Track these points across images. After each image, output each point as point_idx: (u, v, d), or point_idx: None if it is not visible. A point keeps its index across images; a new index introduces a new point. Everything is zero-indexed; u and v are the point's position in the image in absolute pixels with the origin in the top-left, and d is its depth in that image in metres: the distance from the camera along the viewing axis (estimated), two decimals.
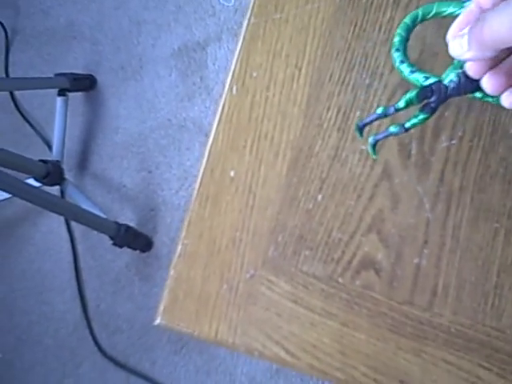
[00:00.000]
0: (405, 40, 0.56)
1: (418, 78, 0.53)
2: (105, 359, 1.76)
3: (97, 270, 1.81)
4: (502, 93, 0.41)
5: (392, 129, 0.52)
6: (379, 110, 0.51)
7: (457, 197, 0.56)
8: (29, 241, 1.90)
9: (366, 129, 0.54)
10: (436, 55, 0.59)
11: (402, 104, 0.50)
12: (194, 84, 1.80)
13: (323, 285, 0.57)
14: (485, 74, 0.41)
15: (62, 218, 1.83)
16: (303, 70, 0.61)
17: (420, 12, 0.55)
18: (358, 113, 0.59)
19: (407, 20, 0.55)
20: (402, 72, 0.55)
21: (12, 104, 1.96)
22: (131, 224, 1.67)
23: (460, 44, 0.39)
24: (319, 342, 0.56)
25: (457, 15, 0.51)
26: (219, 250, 0.59)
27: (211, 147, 0.61)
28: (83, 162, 1.87)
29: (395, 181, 0.57)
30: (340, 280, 0.56)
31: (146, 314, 1.75)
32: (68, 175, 1.68)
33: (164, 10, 1.87)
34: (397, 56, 0.55)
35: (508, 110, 0.56)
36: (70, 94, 1.81)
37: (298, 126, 0.60)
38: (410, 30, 0.56)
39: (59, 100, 1.77)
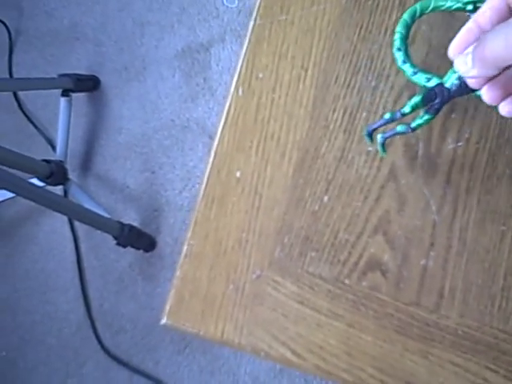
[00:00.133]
0: (405, 38, 0.56)
1: (421, 79, 0.54)
2: (108, 359, 1.76)
3: (100, 269, 1.81)
4: (499, 103, 0.44)
5: (399, 128, 0.53)
6: (386, 116, 0.53)
7: (463, 199, 0.56)
8: (32, 240, 1.90)
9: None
10: (442, 56, 0.58)
11: (407, 109, 0.51)
12: (198, 85, 1.81)
13: (329, 286, 0.57)
14: (484, 84, 0.43)
15: (65, 218, 1.83)
16: (309, 72, 0.61)
17: (418, 7, 0.55)
18: (364, 114, 0.59)
19: (406, 16, 0.55)
20: (404, 72, 0.55)
21: (16, 104, 1.96)
22: (134, 224, 1.68)
23: (465, 62, 0.41)
24: (325, 343, 0.56)
25: (454, 9, 0.54)
26: (225, 251, 0.59)
27: (217, 148, 0.61)
28: (86, 162, 1.87)
29: (401, 182, 0.57)
30: (346, 281, 0.56)
31: (150, 313, 1.75)
32: (71, 175, 1.68)
33: (168, 12, 1.88)
34: (399, 56, 0.55)
35: None
36: (74, 95, 1.81)
37: (304, 127, 0.60)
38: (409, 26, 0.56)
39: (63, 100, 1.77)
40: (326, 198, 0.58)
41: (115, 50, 1.91)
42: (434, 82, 0.53)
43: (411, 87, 0.59)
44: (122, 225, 1.60)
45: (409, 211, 0.57)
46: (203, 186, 0.61)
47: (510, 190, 0.56)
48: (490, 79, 0.43)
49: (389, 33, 0.61)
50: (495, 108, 0.50)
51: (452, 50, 0.44)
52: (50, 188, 1.50)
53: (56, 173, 1.52)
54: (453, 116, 0.58)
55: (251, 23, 0.64)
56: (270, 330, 0.57)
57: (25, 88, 1.81)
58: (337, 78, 0.61)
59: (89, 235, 1.83)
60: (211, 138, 1.75)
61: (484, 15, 0.41)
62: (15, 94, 1.97)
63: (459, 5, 0.54)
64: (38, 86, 1.78)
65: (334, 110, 0.60)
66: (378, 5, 0.61)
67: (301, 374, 1.57)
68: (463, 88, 0.48)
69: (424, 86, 0.54)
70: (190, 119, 1.79)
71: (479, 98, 0.53)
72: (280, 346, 0.56)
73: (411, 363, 0.54)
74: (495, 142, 0.57)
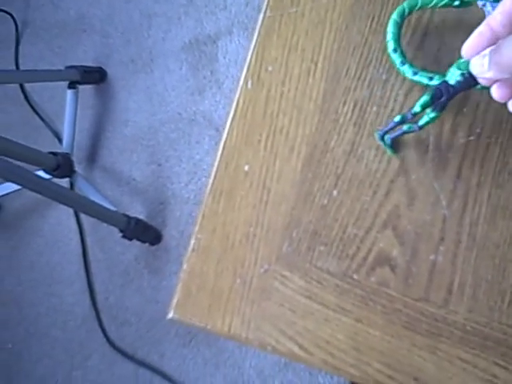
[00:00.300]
0: (397, 37, 0.57)
1: (423, 79, 0.55)
2: (113, 351, 1.77)
3: (106, 262, 1.81)
4: (508, 100, 0.46)
5: (406, 127, 0.55)
6: (397, 118, 0.54)
7: (474, 193, 0.56)
8: (38, 233, 1.90)
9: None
10: (454, 51, 0.58)
11: (418, 108, 0.53)
12: (205, 78, 1.80)
13: (338, 281, 0.56)
14: (494, 83, 0.45)
15: (70, 210, 1.83)
16: (319, 65, 0.60)
17: (406, 6, 0.57)
18: (374, 108, 0.58)
19: (395, 16, 0.57)
20: (404, 73, 0.56)
21: (22, 96, 1.97)
22: (140, 217, 1.68)
23: (481, 64, 0.44)
24: (333, 338, 0.55)
25: (442, 6, 0.56)
26: (233, 245, 0.59)
27: (225, 142, 0.61)
28: (93, 154, 1.87)
29: (412, 177, 0.57)
30: (355, 276, 0.56)
31: (155, 306, 1.75)
32: (78, 168, 1.68)
33: (175, 3, 1.87)
34: (395, 57, 0.56)
35: None
36: (80, 87, 1.81)
37: (314, 121, 0.59)
38: (399, 25, 0.57)
39: (69, 92, 1.78)
40: (335, 193, 0.58)
41: (122, 42, 1.91)
42: (436, 79, 0.54)
43: None
44: (128, 218, 1.60)
45: (418, 206, 0.56)
46: (211, 179, 0.61)
47: None
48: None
49: None
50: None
51: (465, 51, 0.45)
52: (56, 180, 1.50)
53: (62, 165, 1.52)
54: (464, 110, 0.57)
55: (261, 15, 0.63)
56: (278, 324, 0.56)
57: (31, 80, 1.81)
58: (347, 71, 0.60)
59: (94, 228, 1.83)
60: (218, 131, 1.75)
61: (496, 19, 0.42)
62: (22, 86, 1.97)
63: (446, 1, 0.56)
64: (44, 78, 1.78)
65: (344, 104, 0.59)
66: None
67: (306, 367, 1.57)
68: (466, 84, 0.50)
69: (427, 85, 0.55)
70: (196, 112, 1.79)
71: (480, 90, 0.54)
72: (287, 341, 0.56)
73: (419, 359, 0.54)
74: (507, 136, 0.56)
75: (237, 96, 0.62)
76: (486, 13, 0.56)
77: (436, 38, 0.59)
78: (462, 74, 0.50)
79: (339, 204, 0.57)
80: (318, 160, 0.58)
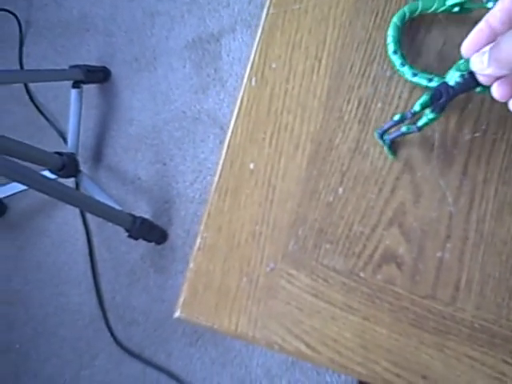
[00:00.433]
0: (398, 40, 0.57)
1: (422, 80, 0.55)
2: (121, 351, 1.77)
3: (112, 262, 1.82)
4: (508, 99, 0.46)
5: (405, 128, 0.55)
6: (396, 117, 0.54)
7: (480, 190, 0.56)
8: (44, 233, 1.90)
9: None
10: (458, 46, 0.58)
11: (417, 108, 0.53)
12: (209, 76, 1.80)
13: (344, 279, 0.56)
14: (494, 82, 0.46)
15: (77, 210, 1.84)
16: (323, 62, 0.60)
17: (406, 10, 0.57)
18: (379, 105, 0.58)
19: (395, 20, 0.58)
20: (403, 75, 0.57)
21: (27, 96, 1.97)
22: (146, 216, 1.68)
23: (481, 61, 0.44)
24: (340, 337, 0.55)
25: (441, 12, 0.57)
26: (239, 244, 0.59)
27: (230, 139, 0.61)
28: (98, 154, 1.87)
29: (417, 174, 0.56)
30: (361, 274, 0.56)
31: (161, 305, 1.75)
32: (83, 167, 1.69)
33: (177, 2, 1.87)
34: (395, 59, 0.57)
35: None
36: (84, 86, 1.82)
37: (318, 118, 0.59)
38: (400, 29, 0.58)
39: (74, 92, 1.78)
40: (340, 190, 0.57)
41: (125, 41, 1.91)
42: (435, 81, 0.54)
43: None
44: (134, 217, 1.60)
45: (425, 203, 0.56)
46: (216, 178, 0.60)
47: None
48: (500, 77, 0.45)
49: None
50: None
51: (464, 48, 0.46)
52: (61, 180, 1.50)
53: (68, 165, 1.53)
54: (470, 107, 0.57)
55: (264, 12, 0.63)
56: (284, 323, 0.56)
57: (36, 80, 1.81)
58: (351, 68, 0.60)
59: (100, 228, 1.83)
60: (222, 129, 1.75)
61: (495, 16, 0.43)
62: (26, 86, 1.97)
63: (446, 7, 0.57)
64: (48, 78, 1.78)
65: (349, 101, 0.59)
66: None
67: (313, 366, 1.57)
68: (466, 85, 0.51)
69: (426, 87, 0.55)
70: (200, 110, 1.79)
71: (480, 93, 0.54)
72: (294, 340, 0.56)
73: (427, 356, 0.54)
74: None
75: (241, 94, 0.62)
76: (491, 2, 0.55)
77: (440, 32, 0.59)
78: (462, 76, 0.50)
79: (345, 201, 0.57)
80: (323, 157, 0.58)
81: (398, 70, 0.57)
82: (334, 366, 0.55)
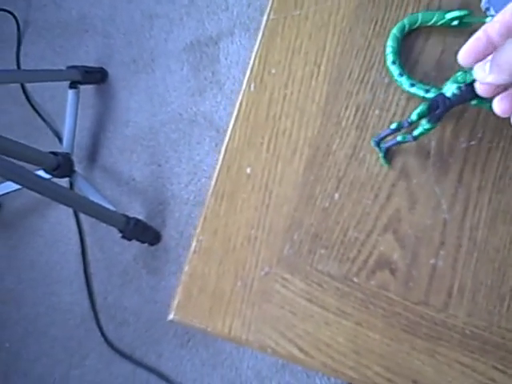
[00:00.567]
0: (397, 51, 0.58)
1: (419, 91, 0.56)
2: (111, 351, 1.77)
3: (105, 262, 1.82)
4: (510, 115, 0.47)
5: (400, 137, 0.56)
6: (393, 126, 0.55)
7: (475, 198, 0.56)
8: (37, 232, 1.90)
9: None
10: (456, 55, 0.58)
11: (414, 117, 0.53)
12: (206, 79, 1.80)
13: (338, 284, 0.56)
14: (493, 94, 0.47)
15: (70, 210, 1.84)
16: (322, 68, 0.61)
17: (406, 22, 0.58)
18: (376, 111, 0.59)
19: (395, 31, 0.59)
20: (401, 85, 0.57)
21: (23, 96, 1.97)
22: (140, 217, 1.68)
23: (483, 69, 0.45)
24: (333, 341, 0.55)
25: (440, 25, 0.58)
26: (234, 247, 0.59)
27: (228, 144, 0.61)
28: (93, 154, 1.87)
29: (413, 181, 0.57)
30: (355, 279, 0.56)
31: (153, 306, 1.75)
32: (78, 167, 1.69)
33: (176, 4, 1.87)
34: (394, 69, 0.57)
35: None
36: (81, 87, 1.82)
37: (316, 123, 0.60)
38: (399, 40, 0.59)
39: (71, 92, 1.78)
40: (336, 196, 0.58)
41: (124, 43, 1.92)
42: (432, 92, 0.55)
43: None
44: (128, 218, 1.60)
45: (420, 210, 0.57)
46: (213, 181, 0.61)
47: None
48: (500, 91, 0.47)
49: None
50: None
51: (461, 56, 0.46)
52: (55, 180, 1.50)
53: (62, 165, 1.53)
54: (466, 115, 0.57)
55: (264, 18, 0.63)
56: (278, 327, 0.56)
57: (33, 80, 1.81)
58: (350, 74, 0.60)
59: (94, 228, 1.83)
60: (218, 132, 1.75)
61: (493, 28, 0.43)
62: (23, 86, 1.97)
63: (445, 20, 0.58)
64: (46, 78, 1.78)
65: (347, 107, 0.59)
66: (393, 0, 0.61)
67: (303, 369, 1.58)
68: (463, 97, 0.52)
69: (423, 97, 0.56)
70: (197, 113, 1.79)
71: (476, 106, 0.55)
72: (287, 344, 0.56)
73: (418, 362, 0.54)
74: (509, 141, 0.56)
75: (240, 98, 0.62)
76: (490, 17, 0.56)
77: (439, 42, 0.59)
78: (459, 88, 0.51)
79: (340, 207, 0.58)
80: (320, 163, 0.59)
81: (396, 80, 0.57)
82: (327, 370, 0.55)
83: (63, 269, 1.86)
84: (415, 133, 0.55)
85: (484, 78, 0.45)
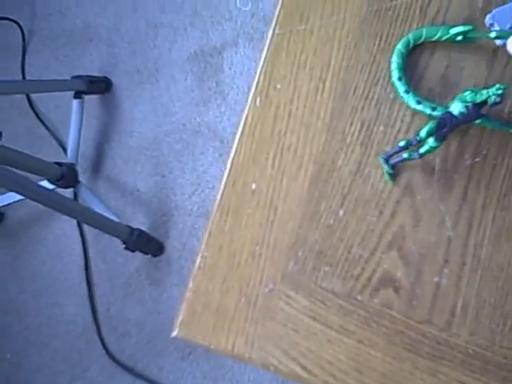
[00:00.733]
0: (402, 67, 0.59)
1: (426, 109, 0.57)
2: (113, 363, 1.76)
3: (107, 273, 1.82)
4: None
5: (406, 155, 0.56)
6: (402, 143, 0.55)
7: (479, 215, 0.56)
8: (41, 242, 1.90)
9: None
10: (462, 69, 0.59)
11: (423, 135, 0.54)
12: (210, 89, 1.80)
13: (342, 301, 0.56)
14: None
15: (74, 221, 1.83)
16: (327, 83, 0.61)
17: (411, 37, 0.59)
18: (381, 128, 0.59)
19: (400, 47, 0.59)
20: (407, 102, 0.58)
21: (28, 106, 1.97)
22: (143, 228, 1.68)
23: None
24: (335, 359, 0.55)
25: (445, 40, 0.58)
26: (239, 264, 0.59)
27: (233, 159, 0.61)
28: (97, 164, 1.88)
29: (417, 198, 0.57)
30: (359, 297, 0.56)
31: (156, 318, 1.75)
32: (82, 178, 1.69)
33: (181, 14, 1.88)
34: (399, 86, 0.58)
35: None
36: (86, 97, 1.82)
37: (321, 139, 0.60)
38: (404, 56, 0.59)
39: (75, 102, 1.78)
40: (341, 212, 0.58)
41: (128, 52, 1.92)
42: (438, 110, 0.55)
43: None
44: (132, 229, 1.60)
45: (424, 227, 0.57)
46: (218, 197, 0.61)
47: None
48: None
49: None
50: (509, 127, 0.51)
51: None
52: (59, 190, 1.51)
53: (67, 175, 1.52)
54: (470, 132, 0.57)
55: (270, 32, 0.63)
56: (281, 344, 0.56)
57: (38, 90, 1.82)
58: (355, 90, 0.60)
59: (97, 238, 1.83)
60: (222, 142, 1.75)
61: None
62: (28, 96, 1.97)
63: (449, 35, 0.58)
64: (51, 88, 1.79)
65: (352, 123, 0.59)
66: (398, 15, 0.61)
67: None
68: (469, 116, 0.53)
69: (430, 115, 0.56)
70: (201, 123, 1.79)
71: (481, 125, 0.55)
72: (290, 362, 0.56)
73: (420, 381, 0.54)
74: None
75: (245, 113, 0.62)
76: (494, 32, 0.56)
77: (444, 57, 0.60)
78: (466, 107, 0.52)
79: (345, 224, 0.58)
80: (325, 179, 0.59)
81: (402, 96, 0.57)
82: None
83: (66, 279, 1.86)
84: (421, 150, 0.55)
85: None
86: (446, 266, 0.56)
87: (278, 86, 0.62)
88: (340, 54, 0.61)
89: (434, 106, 0.56)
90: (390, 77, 0.59)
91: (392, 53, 0.59)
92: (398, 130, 0.58)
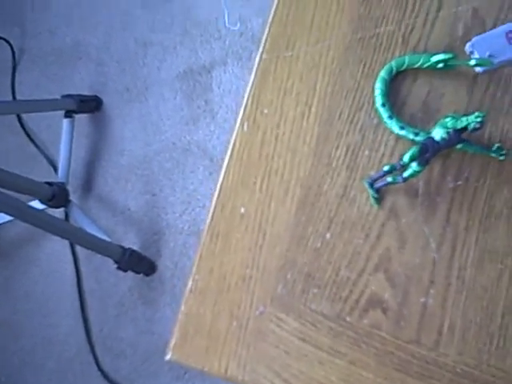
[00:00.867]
0: (386, 93, 0.60)
1: (409, 134, 0.58)
2: None
3: (100, 292, 1.82)
4: None
5: (390, 179, 0.57)
6: (386, 168, 0.56)
7: (462, 237, 0.57)
8: (33, 262, 1.90)
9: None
10: (443, 96, 0.61)
11: (407, 160, 0.55)
12: (199, 107, 1.82)
13: (331, 323, 0.57)
14: None
15: (66, 240, 1.83)
16: (313, 109, 0.62)
17: (394, 64, 0.61)
18: (366, 152, 0.60)
19: (383, 74, 0.61)
20: (390, 127, 0.59)
21: (18, 125, 1.98)
22: (134, 247, 1.68)
23: None
24: (327, 380, 0.56)
25: (426, 67, 0.60)
26: (229, 287, 0.60)
27: (222, 183, 0.62)
28: (88, 183, 1.88)
29: (402, 220, 0.58)
30: (348, 319, 0.57)
31: (150, 338, 1.75)
32: (73, 197, 1.69)
33: (170, 33, 1.89)
34: (383, 112, 0.60)
35: None
36: (76, 116, 1.83)
37: (308, 164, 0.61)
38: (387, 82, 0.61)
39: (65, 121, 1.79)
40: (328, 235, 0.59)
41: (118, 71, 1.93)
42: (421, 135, 0.57)
43: None
44: (124, 249, 1.61)
45: (409, 249, 0.58)
46: (208, 221, 0.62)
47: (508, 229, 0.57)
48: None
49: None
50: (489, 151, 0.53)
51: None
52: (51, 210, 1.51)
53: (58, 195, 1.53)
54: (452, 156, 0.59)
55: (257, 58, 0.65)
56: (273, 366, 0.57)
57: (28, 110, 1.83)
58: (340, 115, 0.62)
59: (89, 258, 1.83)
60: (212, 160, 1.76)
61: None
62: (18, 115, 1.98)
63: (431, 63, 0.60)
64: (41, 108, 1.79)
65: (337, 148, 0.61)
66: (381, 43, 0.63)
67: None
68: (450, 142, 0.54)
69: (412, 140, 0.57)
70: (191, 142, 1.80)
71: (463, 150, 0.56)
72: (282, 383, 0.57)
73: None
74: (494, 181, 0.58)
75: (233, 138, 0.63)
76: (474, 60, 0.58)
77: (425, 83, 0.61)
78: (447, 132, 0.54)
79: (332, 247, 0.59)
80: (312, 203, 0.60)
81: (386, 122, 0.59)
82: None
83: (59, 299, 1.85)
84: (405, 174, 0.56)
85: None
86: (432, 287, 0.57)
87: (265, 111, 0.63)
88: (325, 79, 0.63)
89: (416, 131, 0.58)
90: (373, 102, 0.61)
91: (375, 79, 0.61)
92: (383, 154, 0.60)
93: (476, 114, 0.52)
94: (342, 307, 0.58)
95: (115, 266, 1.60)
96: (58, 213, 1.69)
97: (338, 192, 0.60)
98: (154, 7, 1.93)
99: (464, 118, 0.53)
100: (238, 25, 1.82)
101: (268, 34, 0.66)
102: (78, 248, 1.85)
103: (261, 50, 0.65)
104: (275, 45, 0.65)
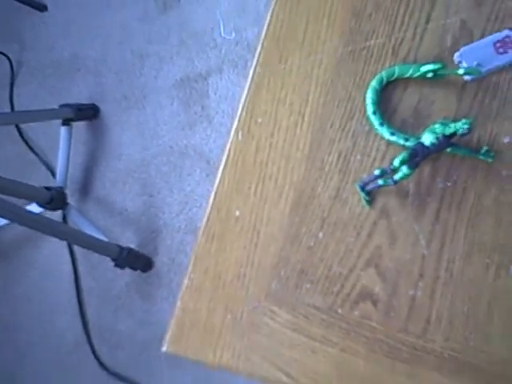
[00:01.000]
0: (376, 102, 0.63)
1: (399, 139, 0.61)
2: (106, 374, 1.78)
3: (97, 289, 1.84)
4: None
5: (381, 181, 0.60)
6: (377, 172, 0.59)
7: (451, 234, 0.61)
8: (32, 263, 1.93)
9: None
10: (433, 103, 0.64)
11: (397, 164, 0.58)
12: (196, 113, 1.84)
13: (323, 315, 0.60)
14: None
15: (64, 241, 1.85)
16: (306, 118, 0.65)
17: (384, 75, 0.64)
18: (358, 157, 0.63)
19: (374, 83, 0.64)
20: (381, 134, 0.62)
21: (17, 133, 2.01)
22: (132, 245, 1.72)
23: None
24: (319, 367, 0.59)
25: (416, 77, 0.63)
26: (224, 284, 0.63)
27: (217, 188, 0.65)
28: (86, 187, 1.91)
29: (393, 219, 0.61)
30: (339, 311, 0.60)
31: (147, 328, 1.77)
32: (71, 200, 1.73)
33: (167, 44, 1.92)
34: (374, 119, 0.63)
35: (500, 154, 0.62)
36: (74, 123, 1.85)
37: (301, 169, 0.64)
38: (378, 92, 0.64)
39: (63, 129, 1.81)
40: (320, 235, 0.62)
41: (115, 82, 1.95)
42: (411, 141, 0.60)
43: None
44: (121, 248, 1.63)
45: (399, 245, 0.61)
46: (203, 223, 0.65)
47: (495, 225, 0.60)
48: None
49: None
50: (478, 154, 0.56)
51: None
52: (49, 213, 1.54)
53: (56, 199, 1.57)
54: (442, 158, 0.62)
55: (251, 71, 0.68)
56: (266, 356, 0.61)
57: (27, 120, 1.86)
58: (332, 123, 0.65)
59: (86, 257, 1.85)
60: (208, 163, 1.78)
61: None
62: (17, 124, 2.00)
63: (420, 73, 0.63)
64: (39, 118, 1.82)
65: (330, 153, 0.64)
66: (372, 55, 0.66)
67: None
68: (439, 146, 0.57)
69: (403, 145, 0.60)
70: (187, 146, 1.83)
71: (450, 153, 0.60)
72: (276, 371, 0.60)
73: None
74: (481, 181, 0.61)
75: (228, 146, 0.66)
76: (462, 69, 0.62)
77: (416, 91, 0.65)
78: (437, 138, 0.57)
79: (325, 245, 0.62)
80: (305, 205, 0.63)
81: (377, 129, 0.62)
82: None
83: (57, 297, 1.87)
84: (396, 177, 0.59)
85: None
86: (421, 280, 0.60)
87: (259, 121, 0.66)
88: (318, 90, 0.66)
89: (406, 136, 0.61)
90: (365, 111, 0.64)
91: (367, 89, 0.64)
92: (374, 159, 0.63)
93: (463, 121, 0.56)
94: (333, 300, 0.61)
95: (112, 263, 1.63)
96: (57, 215, 1.73)
97: (330, 194, 0.63)
98: (150, 19, 1.96)
99: (452, 125, 0.56)
100: (234, 34, 1.84)
101: (261, 48, 0.68)
102: (76, 247, 1.88)
103: (254, 63, 0.68)
104: (268, 58, 0.68)
